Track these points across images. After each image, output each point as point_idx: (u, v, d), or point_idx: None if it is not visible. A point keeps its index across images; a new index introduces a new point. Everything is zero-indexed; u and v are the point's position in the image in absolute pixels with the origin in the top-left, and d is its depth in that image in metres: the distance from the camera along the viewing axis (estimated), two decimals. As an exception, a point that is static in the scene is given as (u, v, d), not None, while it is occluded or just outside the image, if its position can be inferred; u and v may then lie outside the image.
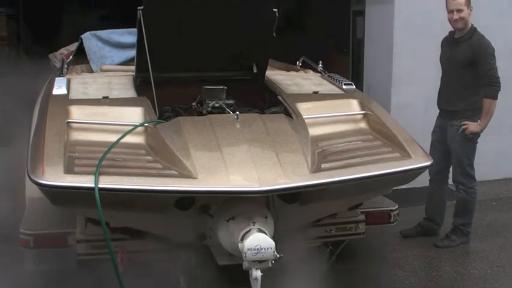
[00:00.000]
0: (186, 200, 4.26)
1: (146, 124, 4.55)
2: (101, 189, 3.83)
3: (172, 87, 5.54)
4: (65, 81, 5.33)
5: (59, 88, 5.14)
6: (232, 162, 4.06)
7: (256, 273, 3.95)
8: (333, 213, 5.02)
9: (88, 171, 3.93)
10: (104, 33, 7.18)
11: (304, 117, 4.85)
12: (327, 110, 5.03)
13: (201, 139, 4.32)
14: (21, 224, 4.92)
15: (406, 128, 4.87)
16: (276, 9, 5.45)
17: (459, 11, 6.12)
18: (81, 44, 7.15)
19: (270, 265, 3.98)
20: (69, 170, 3.97)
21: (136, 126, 4.48)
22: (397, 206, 5.51)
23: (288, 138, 4.44)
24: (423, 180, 7.57)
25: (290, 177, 4.03)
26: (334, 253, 5.29)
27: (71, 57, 6.91)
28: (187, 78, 5.70)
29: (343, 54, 10.10)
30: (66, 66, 6.10)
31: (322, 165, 4.25)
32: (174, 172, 4.04)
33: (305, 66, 6.66)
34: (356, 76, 8.64)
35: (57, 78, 5.44)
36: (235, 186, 3.93)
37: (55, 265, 4.96)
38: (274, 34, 5.58)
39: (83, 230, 4.70)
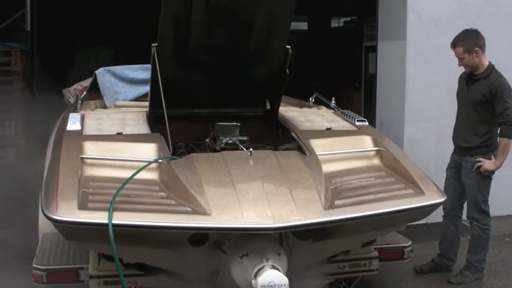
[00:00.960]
0: (199, 236, 4.26)
1: (160, 160, 4.56)
2: (114, 225, 3.84)
3: (186, 124, 5.58)
4: (79, 117, 5.37)
5: (73, 124, 5.18)
6: (245, 199, 4.07)
7: None
8: (346, 250, 5.00)
9: (102, 208, 3.95)
10: (118, 69, 7.23)
11: (317, 153, 4.86)
12: (340, 147, 5.05)
13: (215, 175, 4.34)
14: (34, 259, 4.92)
15: (419, 164, 4.87)
16: (289, 46, 5.49)
17: (461, 59, 6.13)
18: (95, 79, 7.19)
19: None
20: (83, 206, 3.99)
21: (150, 163, 4.49)
22: (410, 243, 5.47)
23: (301, 175, 4.44)
24: (437, 216, 7.55)
25: (304, 214, 4.04)
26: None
27: (84, 92, 6.96)
28: (200, 114, 5.73)
29: (355, 90, 10.16)
30: (80, 101, 6.14)
31: (336, 202, 4.25)
32: (187, 209, 4.05)
33: (318, 102, 6.68)
34: (368, 112, 8.69)
35: (71, 114, 5.48)
36: (248, 223, 3.94)
37: None
38: (287, 71, 5.61)
39: (96, 265, 4.69)
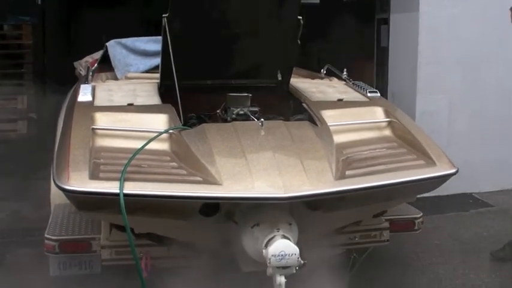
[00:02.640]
0: (210, 207, 4.26)
1: (171, 131, 4.55)
2: (125, 195, 3.84)
3: (197, 95, 5.55)
4: (90, 88, 5.36)
5: (84, 95, 5.16)
6: (257, 169, 4.06)
7: (280, 279, 3.93)
8: (357, 221, 5.00)
9: (113, 177, 3.95)
10: (129, 41, 7.21)
11: (328, 124, 4.83)
12: (352, 118, 5.02)
13: (226, 146, 4.33)
14: (46, 229, 4.96)
15: (431, 136, 4.84)
16: (300, 17, 5.45)
17: None
18: (106, 51, 7.19)
19: (294, 271, 3.97)
20: (94, 176, 3.99)
21: (161, 133, 4.49)
22: (421, 214, 5.47)
23: (312, 146, 4.43)
24: (448, 188, 7.56)
25: (315, 184, 4.03)
26: (357, 261, 5.26)
27: (95, 65, 6.95)
28: (212, 85, 5.72)
29: (367, 63, 10.09)
30: (91, 73, 6.13)
31: (347, 173, 4.24)
32: (198, 178, 4.05)
33: (330, 74, 6.64)
34: (381, 84, 8.63)
35: (82, 86, 5.47)
36: (259, 192, 3.94)
37: (79, 271, 4.99)
38: (299, 42, 5.58)
39: (107, 235, 4.72)
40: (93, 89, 5.37)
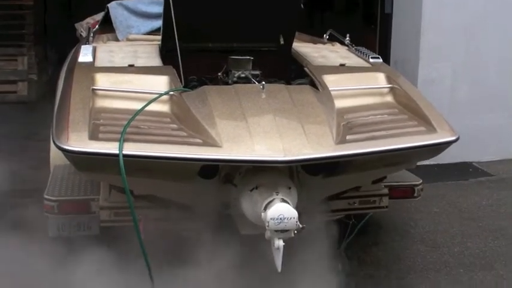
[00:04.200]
0: (210, 169, 4.26)
1: (171, 92, 4.53)
2: (125, 155, 3.83)
3: (199, 58, 5.51)
4: (91, 49, 5.33)
5: (84, 56, 5.14)
6: (257, 132, 4.04)
7: (279, 243, 3.93)
8: (357, 186, 5.00)
9: (113, 138, 3.94)
10: (131, 3, 7.15)
11: (330, 89, 4.80)
12: (353, 83, 4.99)
13: (227, 108, 4.31)
14: (46, 190, 4.96)
15: (434, 104, 4.82)
16: None
17: None
18: (108, 13, 7.13)
19: (293, 235, 3.97)
20: (94, 136, 3.98)
21: (161, 95, 4.47)
22: (421, 181, 5.47)
23: (313, 110, 4.41)
24: (448, 157, 7.56)
25: (315, 148, 4.01)
26: (356, 226, 5.27)
27: (97, 26, 6.90)
28: (213, 48, 5.67)
29: (370, 30, 10.03)
30: (92, 34, 6.09)
31: (347, 137, 4.22)
32: (198, 140, 4.04)
33: (332, 39, 6.60)
34: (384, 52, 8.56)
35: (83, 46, 5.44)
36: (259, 155, 3.92)
37: (78, 232, 5.00)
38: (302, 5, 5.53)
39: (106, 196, 4.72)
40: (94, 50, 5.35)
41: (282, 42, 5.78)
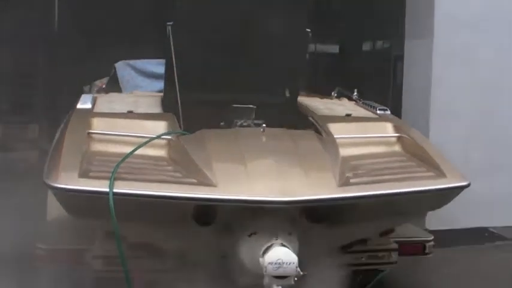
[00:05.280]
0: (206, 214, 4.05)
1: (169, 137, 4.37)
2: (115, 194, 3.65)
3: (201, 109, 5.38)
4: (90, 97, 5.21)
5: (83, 103, 5.03)
6: (255, 172, 3.86)
7: None
8: (364, 240, 4.75)
9: (103, 177, 3.78)
10: (138, 63, 7.14)
11: (335, 136, 4.62)
12: (359, 132, 4.82)
13: (225, 150, 4.16)
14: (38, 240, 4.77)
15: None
16: (309, 30, 5.30)
17: None
18: (115, 72, 7.09)
19: (293, 283, 3.72)
20: (84, 174, 3.81)
21: (159, 136, 4.31)
22: (432, 237, 5.22)
23: (316, 154, 4.24)
24: (462, 222, 7.31)
25: (316, 189, 3.82)
26: (364, 284, 4.99)
27: (103, 86, 6.86)
28: (216, 100, 5.54)
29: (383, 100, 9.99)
30: (95, 88, 6.01)
31: (351, 180, 4.02)
32: (193, 180, 3.85)
33: (340, 97, 6.47)
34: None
35: (82, 95, 5.33)
36: (256, 195, 3.72)
37: None
38: (307, 56, 5.42)
39: (101, 245, 4.50)
40: (94, 99, 5.24)
41: (287, 94, 5.66)
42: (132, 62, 7.19)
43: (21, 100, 11.52)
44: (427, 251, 5.18)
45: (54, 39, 12.14)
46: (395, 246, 4.92)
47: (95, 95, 5.59)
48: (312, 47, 11.67)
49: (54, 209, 5.06)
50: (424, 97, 7.72)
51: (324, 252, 4.46)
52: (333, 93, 6.61)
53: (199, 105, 5.31)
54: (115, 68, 7.17)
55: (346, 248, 4.68)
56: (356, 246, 4.74)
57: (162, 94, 5.60)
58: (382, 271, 5.16)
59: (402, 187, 4.01)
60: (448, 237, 7.09)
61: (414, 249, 5.14)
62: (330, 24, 12.29)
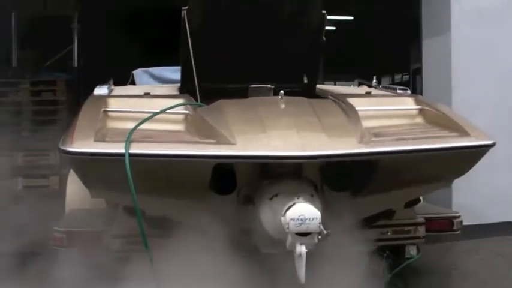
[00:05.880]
0: (225, 181, 3.95)
1: (186, 111, 4.27)
2: (131, 155, 3.57)
3: (219, 95, 5.32)
4: (106, 86, 5.15)
5: (99, 90, 4.94)
6: (273, 130, 3.78)
7: (301, 249, 3.56)
8: (390, 214, 4.62)
9: (119, 140, 3.70)
10: (156, 70, 7.12)
11: (356, 108, 4.51)
12: (380, 105, 4.70)
13: (243, 114, 4.08)
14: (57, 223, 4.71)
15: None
16: (324, 11, 5.24)
17: None
18: (133, 79, 7.07)
19: (316, 241, 3.59)
20: (99, 139, 3.75)
21: (177, 105, 4.23)
22: (459, 214, 5.07)
23: (336, 117, 4.15)
24: (489, 217, 7.14)
25: (336, 145, 3.72)
26: (390, 259, 4.84)
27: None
28: (234, 89, 5.48)
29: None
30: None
31: (373, 139, 3.92)
32: (211, 140, 3.77)
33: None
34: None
35: (98, 86, 5.27)
36: (275, 151, 3.63)
37: None
38: (324, 38, 5.36)
39: (119, 224, 4.41)
40: (110, 88, 5.17)
41: (305, 81, 5.58)
42: (150, 69, 7.17)
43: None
44: (455, 227, 5.04)
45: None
46: (422, 220, 4.79)
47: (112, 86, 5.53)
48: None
49: (72, 201, 5.06)
50: (445, 95, 7.60)
51: (348, 226, 4.35)
52: (351, 85, 6.54)
53: (216, 93, 5.26)
54: (133, 75, 7.14)
55: (371, 222, 4.55)
56: (381, 220, 4.62)
57: (179, 85, 5.54)
58: (409, 258, 5.03)
59: (425, 144, 3.90)
60: (475, 231, 6.96)
61: (442, 225, 5.00)
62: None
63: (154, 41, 11.73)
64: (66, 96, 12.00)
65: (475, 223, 7.02)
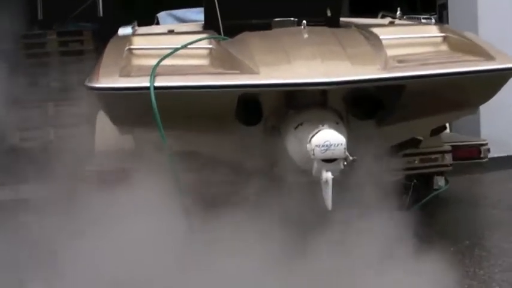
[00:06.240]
0: (251, 112, 3.98)
1: (210, 45, 4.28)
2: (156, 87, 3.61)
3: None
4: (130, 27, 5.17)
5: (123, 30, 4.96)
6: (297, 58, 3.78)
7: (327, 176, 3.58)
8: (416, 142, 4.61)
9: (144, 74, 3.73)
10: (180, 12, 7.10)
11: (380, 37, 4.48)
12: (404, 33, 4.66)
13: (266, 44, 4.09)
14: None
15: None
16: None
17: None
18: (157, 23, 7.06)
19: (342, 167, 3.62)
20: (124, 74, 3.79)
21: (201, 39, 4.24)
22: (487, 141, 5.05)
23: (360, 44, 4.14)
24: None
25: (360, 70, 3.72)
26: (418, 190, 4.85)
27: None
28: (257, 24, 5.46)
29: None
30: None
31: (397, 64, 3.91)
32: (235, 71, 3.80)
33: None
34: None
35: (121, 27, 5.28)
36: (299, 78, 3.64)
37: None
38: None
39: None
40: (134, 29, 5.19)
41: (329, 14, 5.54)
42: (174, 11, 7.16)
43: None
44: (482, 155, 5.02)
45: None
46: (448, 148, 4.78)
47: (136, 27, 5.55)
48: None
49: (102, 142, 5.12)
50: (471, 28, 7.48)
51: (374, 154, 4.36)
52: (378, 17, 6.47)
53: (239, 28, 5.25)
54: (157, 18, 7.14)
55: (398, 151, 4.56)
56: (408, 149, 4.62)
57: (202, 22, 5.54)
58: (437, 189, 5.03)
59: (450, 68, 3.88)
60: (506, 163, 6.93)
61: (469, 153, 4.99)
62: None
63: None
64: (93, 45, 12.04)
65: (503, 155, 7.01)
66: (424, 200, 4.91)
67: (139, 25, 5.44)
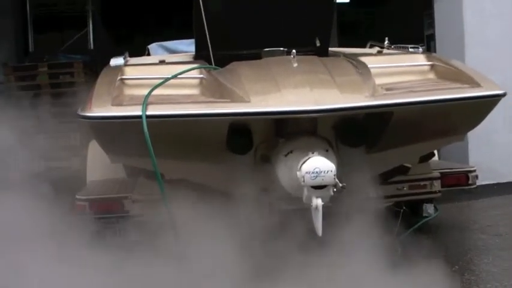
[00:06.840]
0: (241, 140, 4.03)
1: (201, 75, 4.33)
2: (148, 116, 3.66)
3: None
4: (122, 58, 5.23)
5: (115, 61, 5.01)
6: (287, 87, 3.85)
7: (317, 202, 3.64)
8: (405, 170, 4.67)
9: (136, 103, 3.79)
10: (171, 44, 7.19)
11: (368, 66, 4.55)
12: (392, 62, 4.73)
13: (256, 73, 4.15)
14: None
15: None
16: None
17: None
18: (148, 54, 7.14)
19: (332, 193, 3.67)
20: (117, 103, 3.84)
21: (192, 68, 4.30)
22: (475, 168, 5.11)
23: (348, 73, 4.21)
24: (508, 176, 7.17)
25: (349, 98, 3.78)
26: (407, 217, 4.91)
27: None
28: (248, 54, 5.54)
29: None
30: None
31: (384, 92, 3.97)
32: (226, 100, 3.85)
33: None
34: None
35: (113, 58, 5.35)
36: (289, 106, 3.70)
37: None
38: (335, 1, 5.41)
39: (140, 190, 4.52)
40: (126, 59, 5.25)
41: (318, 44, 5.63)
42: (165, 43, 7.25)
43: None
44: (470, 181, 5.09)
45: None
46: (437, 174, 4.84)
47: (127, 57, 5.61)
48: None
49: (93, 171, 5.15)
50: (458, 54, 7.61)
51: (363, 181, 4.41)
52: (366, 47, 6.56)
53: (230, 58, 5.32)
54: (148, 50, 7.21)
55: (386, 178, 4.62)
56: (397, 176, 4.68)
57: (193, 53, 5.62)
58: (427, 217, 5.09)
59: (437, 95, 3.94)
60: (493, 190, 6.99)
61: (457, 180, 5.06)
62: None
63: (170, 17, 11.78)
64: (84, 77, 12.09)
65: (492, 182, 7.08)
66: (413, 227, 4.96)
67: (131, 56, 5.52)
